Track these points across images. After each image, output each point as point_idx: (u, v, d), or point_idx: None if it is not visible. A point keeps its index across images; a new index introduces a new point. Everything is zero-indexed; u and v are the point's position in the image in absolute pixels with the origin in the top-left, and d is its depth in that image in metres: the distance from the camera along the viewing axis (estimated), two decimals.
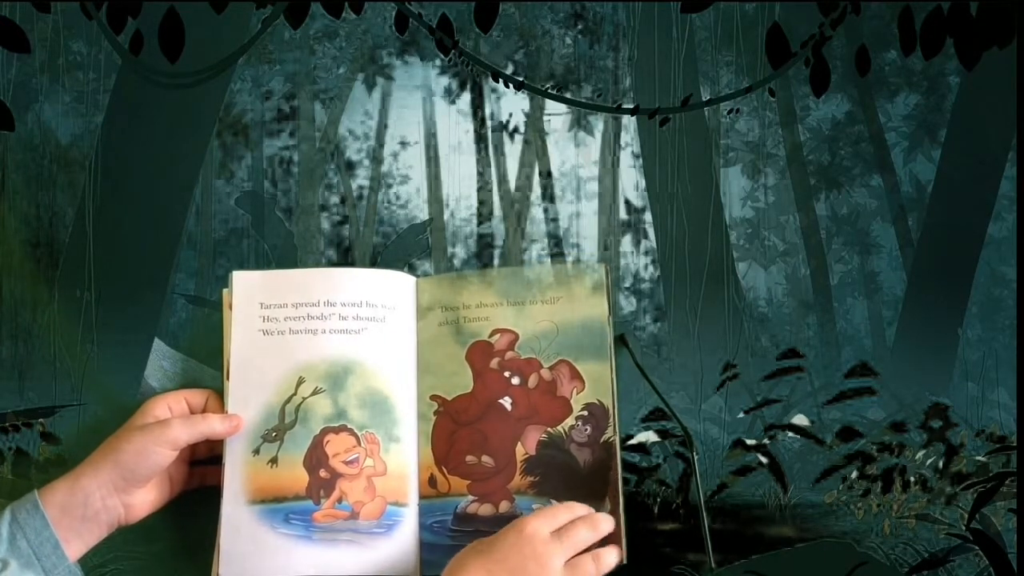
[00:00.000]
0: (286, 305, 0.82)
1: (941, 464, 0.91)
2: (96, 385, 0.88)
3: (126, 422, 0.76)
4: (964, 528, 0.90)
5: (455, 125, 0.94)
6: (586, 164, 0.95)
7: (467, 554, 0.72)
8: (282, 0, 0.93)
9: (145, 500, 0.75)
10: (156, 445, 0.73)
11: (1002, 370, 0.92)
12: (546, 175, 0.95)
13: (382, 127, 0.94)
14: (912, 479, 0.91)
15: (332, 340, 0.81)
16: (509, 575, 0.70)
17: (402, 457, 0.81)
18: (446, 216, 0.94)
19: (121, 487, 0.72)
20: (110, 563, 0.83)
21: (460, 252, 0.93)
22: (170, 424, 0.74)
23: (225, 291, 0.83)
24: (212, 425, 0.77)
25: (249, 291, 0.82)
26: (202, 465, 0.80)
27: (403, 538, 0.80)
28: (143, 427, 0.74)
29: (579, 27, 0.95)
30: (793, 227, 0.95)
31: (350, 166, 0.94)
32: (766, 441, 0.91)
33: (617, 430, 0.81)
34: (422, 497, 0.82)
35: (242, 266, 0.90)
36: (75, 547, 0.71)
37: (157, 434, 0.73)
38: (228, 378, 0.80)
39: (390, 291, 0.84)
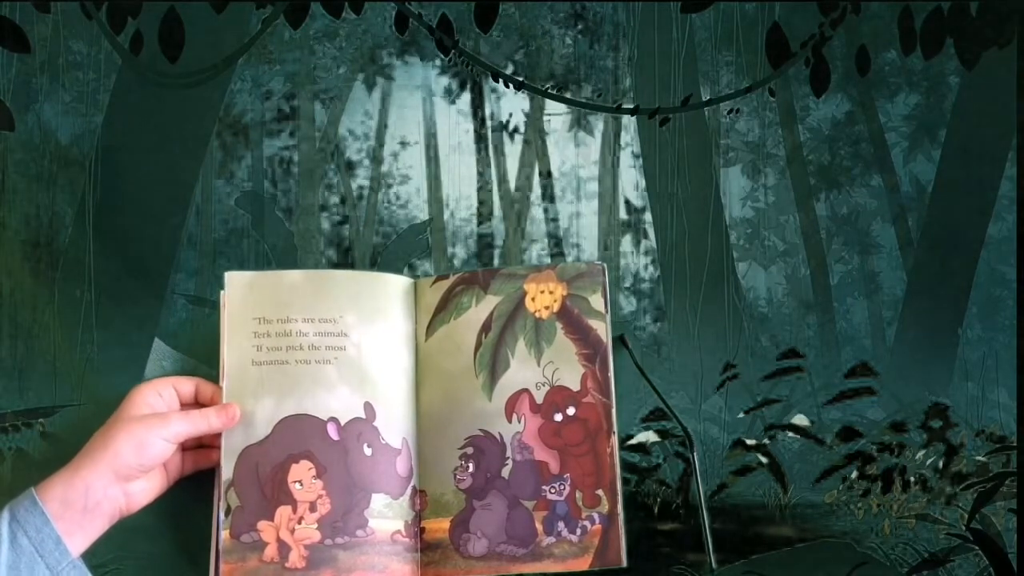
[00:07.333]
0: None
1: (941, 464, 0.91)
2: (96, 385, 0.88)
3: (115, 411, 0.75)
4: (964, 528, 0.90)
5: (455, 125, 0.94)
6: (586, 164, 0.95)
7: None
8: (282, 0, 0.93)
9: (144, 488, 0.75)
10: (157, 439, 0.73)
11: (1002, 370, 0.92)
12: (546, 175, 0.95)
13: (382, 127, 0.94)
14: (912, 479, 0.91)
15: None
16: None
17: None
18: (446, 216, 0.94)
19: (123, 475, 0.72)
20: (110, 563, 0.83)
21: (460, 252, 0.93)
22: (169, 419, 0.74)
23: (223, 292, 0.83)
24: (210, 420, 0.77)
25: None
26: (193, 451, 0.81)
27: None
28: (141, 419, 0.74)
29: (579, 27, 0.95)
30: (793, 227, 0.95)
31: (350, 166, 0.94)
32: (766, 441, 0.91)
33: (616, 430, 0.81)
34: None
35: (242, 266, 0.90)
36: (77, 541, 0.70)
37: (157, 429, 0.73)
38: (224, 378, 0.80)
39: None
